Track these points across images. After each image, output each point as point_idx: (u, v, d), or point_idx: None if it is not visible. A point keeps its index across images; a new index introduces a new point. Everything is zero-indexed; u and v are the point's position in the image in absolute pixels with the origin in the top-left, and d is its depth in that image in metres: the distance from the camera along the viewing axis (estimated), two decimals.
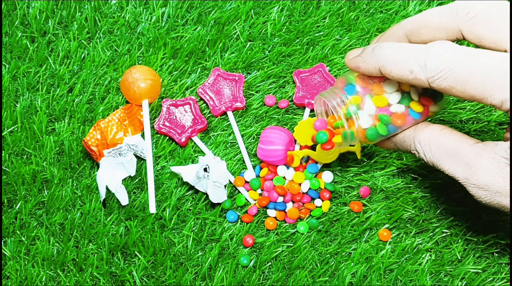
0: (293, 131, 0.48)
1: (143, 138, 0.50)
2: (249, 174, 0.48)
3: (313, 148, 0.48)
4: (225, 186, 0.48)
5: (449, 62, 0.31)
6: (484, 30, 0.33)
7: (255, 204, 0.47)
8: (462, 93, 0.31)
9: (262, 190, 0.48)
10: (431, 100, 0.36)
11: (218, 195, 0.47)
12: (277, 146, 0.47)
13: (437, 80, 0.31)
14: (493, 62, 0.30)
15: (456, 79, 0.31)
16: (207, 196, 0.47)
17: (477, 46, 0.35)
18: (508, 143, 0.31)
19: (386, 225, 0.47)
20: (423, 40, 0.35)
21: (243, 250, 0.47)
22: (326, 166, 0.49)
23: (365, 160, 0.49)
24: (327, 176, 0.48)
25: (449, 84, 0.31)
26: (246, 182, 0.48)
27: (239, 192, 0.48)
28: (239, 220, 0.48)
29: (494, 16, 0.33)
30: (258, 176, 0.48)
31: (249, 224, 0.47)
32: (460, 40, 0.35)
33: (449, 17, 0.34)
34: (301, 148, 0.48)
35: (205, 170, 0.46)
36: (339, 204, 0.48)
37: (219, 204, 0.48)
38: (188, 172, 0.47)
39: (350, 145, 0.49)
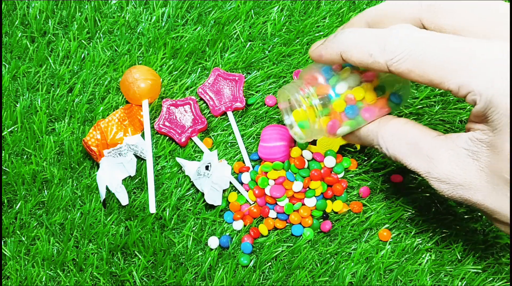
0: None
1: (143, 138, 0.50)
2: (246, 177, 0.48)
3: (312, 142, 0.48)
4: (223, 190, 0.48)
5: (408, 44, 0.30)
6: (444, 20, 0.32)
7: (250, 207, 0.47)
8: (421, 77, 0.30)
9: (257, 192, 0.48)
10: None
11: (213, 198, 0.47)
12: (280, 142, 0.47)
13: (396, 63, 0.30)
14: (453, 45, 0.29)
15: (414, 62, 0.30)
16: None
17: None
18: (469, 134, 0.31)
19: (386, 225, 0.47)
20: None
21: (241, 254, 0.47)
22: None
23: (365, 160, 0.49)
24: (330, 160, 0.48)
25: (407, 67, 0.30)
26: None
27: (239, 192, 0.48)
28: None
29: (456, 6, 0.32)
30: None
31: (249, 225, 0.47)
32: None
33: (410, 6, 0.34)
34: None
35: (207, 167, 0.46)
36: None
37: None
38: (191, 167, 0.47)
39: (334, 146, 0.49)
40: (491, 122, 0.29)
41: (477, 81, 0.28)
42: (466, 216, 0.47)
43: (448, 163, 0.31)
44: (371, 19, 0.36)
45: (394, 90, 0.36)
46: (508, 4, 0.32)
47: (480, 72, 0.28)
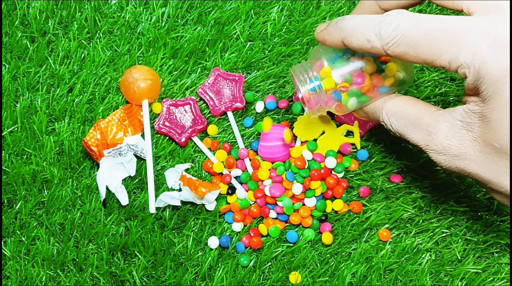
0: (293, 128, 0.48)
1: (143, 138, 0.50)
2: (241, 193, 0.48)
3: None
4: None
5: (400, 28, 0.32)
6: None
7: (250, 207, 0.47)
8: (415, 58, 0.33)
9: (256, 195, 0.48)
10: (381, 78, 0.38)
11: (211, 197, 0.47)
12: (280, 142, 0.47)
13: (391, 47, 0.33)
14: (440, 25, 0.32)
15: (407, 45, 0.32)
16: None
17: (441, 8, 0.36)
18: (463, 106, 0.32)
19: (386, 225, 0.47)
20: (390, 5, 0.38)
21: (241, 254, 0.47)
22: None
23: (365, 160, 0.49)
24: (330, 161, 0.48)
25: (402, 50, 0.33)
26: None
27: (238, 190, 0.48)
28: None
29: None
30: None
31: (249, 225, 0.47)
32: (426, 1, 0.36)
33: None
34: (302, 144, 0.49)
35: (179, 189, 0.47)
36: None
37: (216, 202, 0.48)
38: (172, 197, 0.47)
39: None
40: (481, 92, 0.31)
41: (465, 54, 0.30)
42: (466, 216, 0.47)
43: (445, 135, 0.33)
44: None
45: (398, 70, 0.38)
46: None
47: (467, 45, 0.30)
